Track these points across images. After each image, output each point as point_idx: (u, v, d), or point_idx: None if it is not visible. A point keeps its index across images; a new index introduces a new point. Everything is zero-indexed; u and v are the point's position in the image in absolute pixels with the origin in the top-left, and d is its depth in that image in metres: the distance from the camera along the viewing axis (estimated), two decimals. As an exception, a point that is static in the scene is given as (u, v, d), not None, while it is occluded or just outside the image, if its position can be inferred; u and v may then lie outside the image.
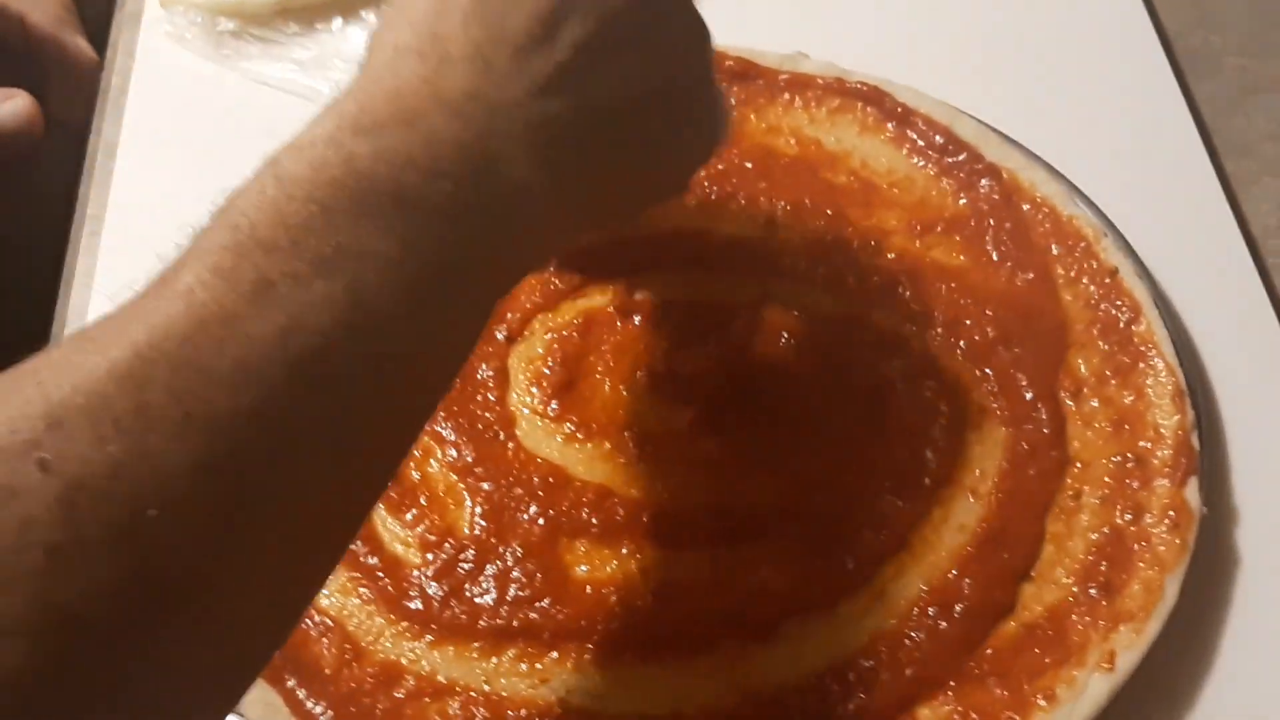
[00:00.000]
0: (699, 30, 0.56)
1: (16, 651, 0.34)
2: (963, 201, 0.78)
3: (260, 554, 0.40)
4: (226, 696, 0.42)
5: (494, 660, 0.63)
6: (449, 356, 0.48)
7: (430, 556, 0.66)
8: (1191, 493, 0.66)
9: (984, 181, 0.78)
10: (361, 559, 0.66)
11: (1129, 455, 0.68)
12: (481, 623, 0.64)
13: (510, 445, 0.70)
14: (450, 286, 0.45)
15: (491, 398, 0.72)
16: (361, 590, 0.66)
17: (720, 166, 0.80)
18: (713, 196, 0.79)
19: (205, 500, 0.38)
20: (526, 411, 0.72)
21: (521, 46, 0.47)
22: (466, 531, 0.67)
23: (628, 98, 0.50)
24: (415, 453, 0.70)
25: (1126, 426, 0.69)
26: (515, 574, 0.66)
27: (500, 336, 0.74)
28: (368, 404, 0.43)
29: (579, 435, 0.70)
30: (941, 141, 0.80)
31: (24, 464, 0.35)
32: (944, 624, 0.63)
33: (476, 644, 0.64)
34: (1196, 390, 0.70)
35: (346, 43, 0.89)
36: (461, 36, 0.47)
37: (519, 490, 0.68)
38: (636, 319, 0.74)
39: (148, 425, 0.37)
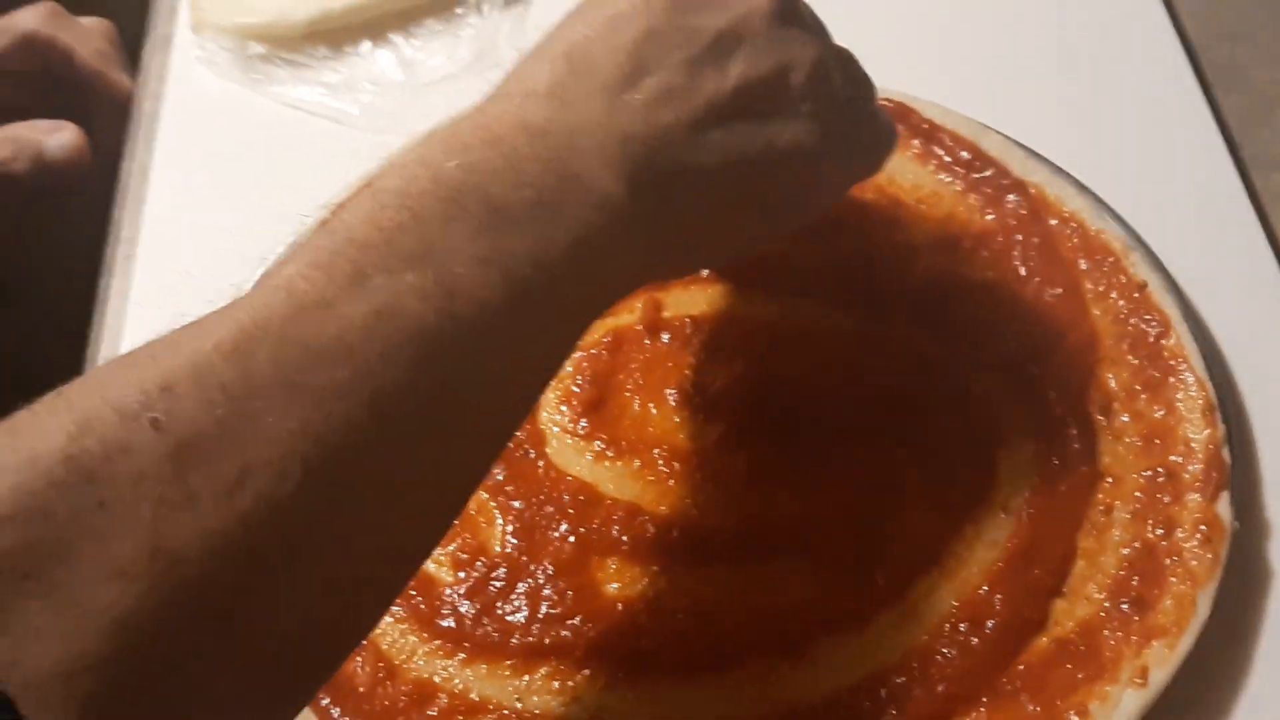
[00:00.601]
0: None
1: (130, 593, 0.36)
2: (990, 217, 0.78)
3: (358, 520, 0.42)
4: (322, 663, 0.45)
5: (526, 678, 0.64)
6: (537, 360, 0.51)
7: (462, 575, 0.67)
8: (1223, 507, 0.66)
9: (1011, 197, 0.78)
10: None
11: (1160, 470, 0.68)
12: (513, 641, 0.64)
13: (540, 463, 0.70)
14: (537, 288, 0.47)
15: (522, 416, 0.72)
16: (394, 608, 0.66)
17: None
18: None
19: (304, 464, 0.40)
20: (556, 429, 0.72)
21: (606, 83, 0.51)
22: (498, 549, 0.68)
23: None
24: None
25: (1157, 441, 0.69)
26: (546, 592, 0.66)
27: (530, 355, 0.74)
28: (458, 391, 0.45)
29: (609, 453, 0.71)
30: (968, 157, 0.80)
31: (138, 423, 0.38)
32: (976, 640, 0.63)
33: (509, 662, 0.64)
34: (1227, 404, 0.69)
35: (375, 65, 0.90)
36: (548, 76, 0.51)
37: (550, 508, 0.69)
38: (665, 337, 0.75)
39: (251, 392, 0.40)
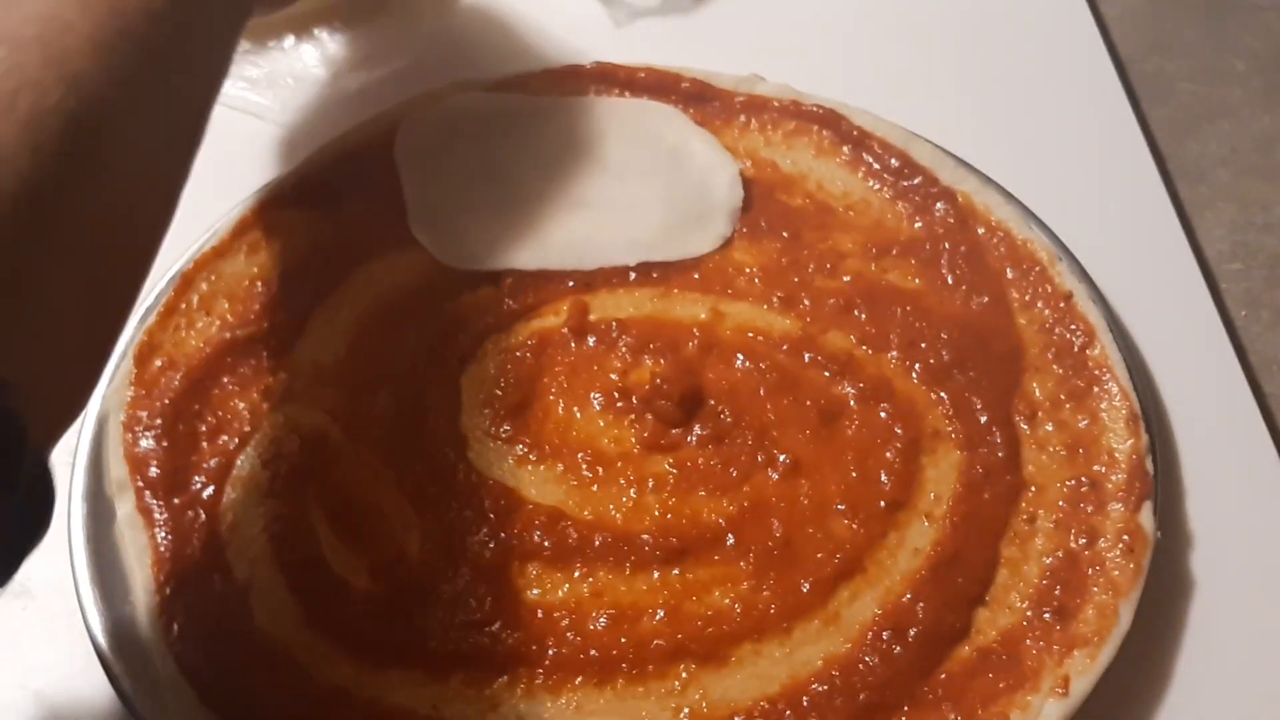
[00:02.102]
0: None
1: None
2: (918, 225, 0.78)
3: (130, 124, 0.54)
4: (130, 254, 0.56)
5: (443, 685, 0.62)
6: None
7: (378, 580, 0.65)
8: (1145, 517, 0.66)
9: (939, 205, 0.78)
10: (308, 583, 0.65)
11: (1083, 479, 0.68)
12: (430, 646, 0.63)
13: (461, 467, 0.69)
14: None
15: (443, 419, 0.71)
16: (308, 614, 0.64)
17: (676, 188, 0.80)
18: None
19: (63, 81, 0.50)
20: (478, 433, 0.71)
21: None
22: (416, 555, 0.66)
23: None
24: (364, 475, 0.69)
25: (1081, 451, 0.69)
26: (465, 598, 0.65)
27: (452, 357, 0.73)
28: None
29: (531, 457, 0.70)
30: (897, 165, 0.80)
31: None
32: (898, 648, 0.63)
33: (424, 669, 0.63)
34: (1150, 415, 0.70)
35: (299, 61, 0.88)
36: None
37: (469, 513, 0.67)
38: (590, 340, 0.74)
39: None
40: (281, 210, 0.78)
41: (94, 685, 0.64)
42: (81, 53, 0.51)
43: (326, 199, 0.79)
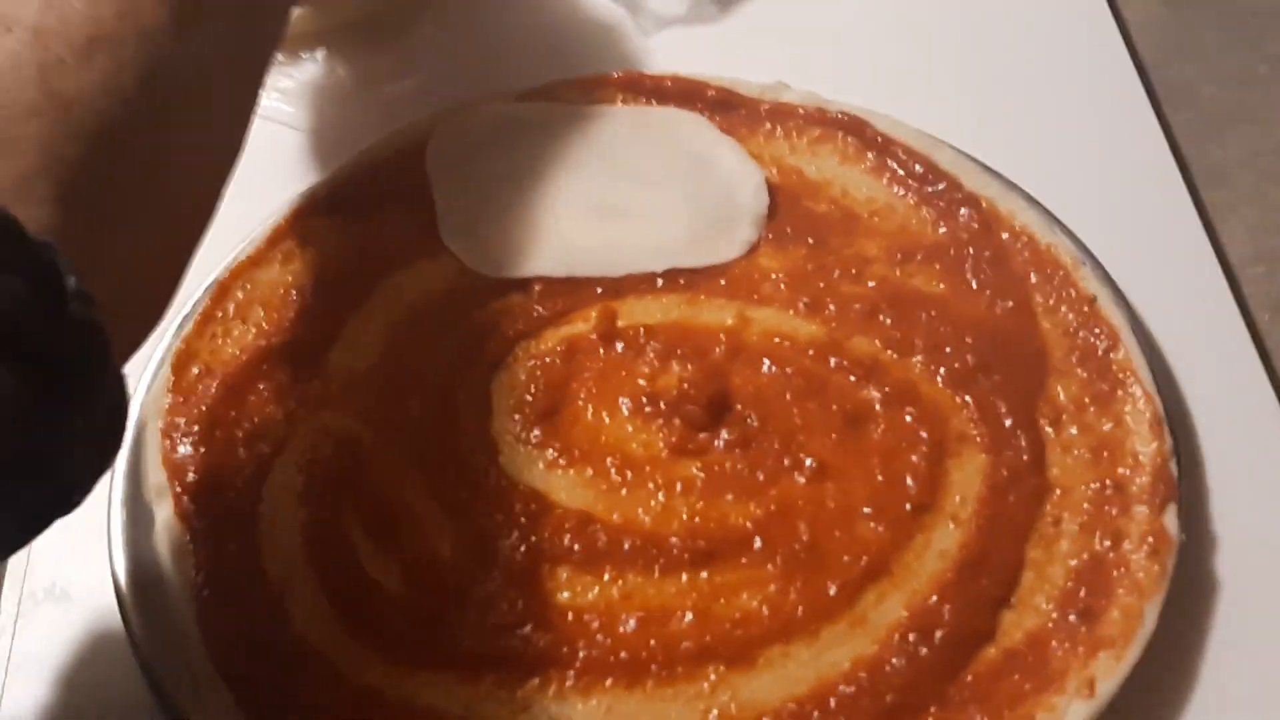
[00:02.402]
0: None
1: (45, 124, 0.49)
2: (942, 230, 0.79)
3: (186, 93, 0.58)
4: (197, 208, 0.61)
5: (474, 687, 0.63)
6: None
7: (411, 583, 0.66)
8: (1170, 519, 0.66)
9: (963, 210, 0.79)
10: (343, 587, 0.66)
11: (1108, 482, 0.68)
12: (462, 649, 0.64)
13: (491, 472, 0.70)
14: None
15: (473, 425, 0.72)
16: (343, 618, 0.66)
17: (702, 195, 0.81)
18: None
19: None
20: (508, 438, 0.72)
21: None
22: (448, 558, 0.67)
23: None
24: (397, 480, 0.70)
25: (1105, 453, 0.69)
26: (496, 601, 0.65)
27: (482, 364, 0.74)
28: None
29: (561, 461, 0.71)
30: (921, 171, 0.81)
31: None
32: (924, 650, 0.63)
33: (456, 671, 0.64)
34: (1174, 417, 0.70)
35: (329, 74, 0.90)
36: None
37: (500, 517, 0.68)
38: (619, 346, 0.75)
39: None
40: (315, 219, 0.79)
41: (133, 688, 0.65)
42: (152, 8, 0.55)
43: (359, 208, 0.80)
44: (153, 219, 0.57)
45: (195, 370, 0.73)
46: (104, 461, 0.51)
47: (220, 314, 0.75)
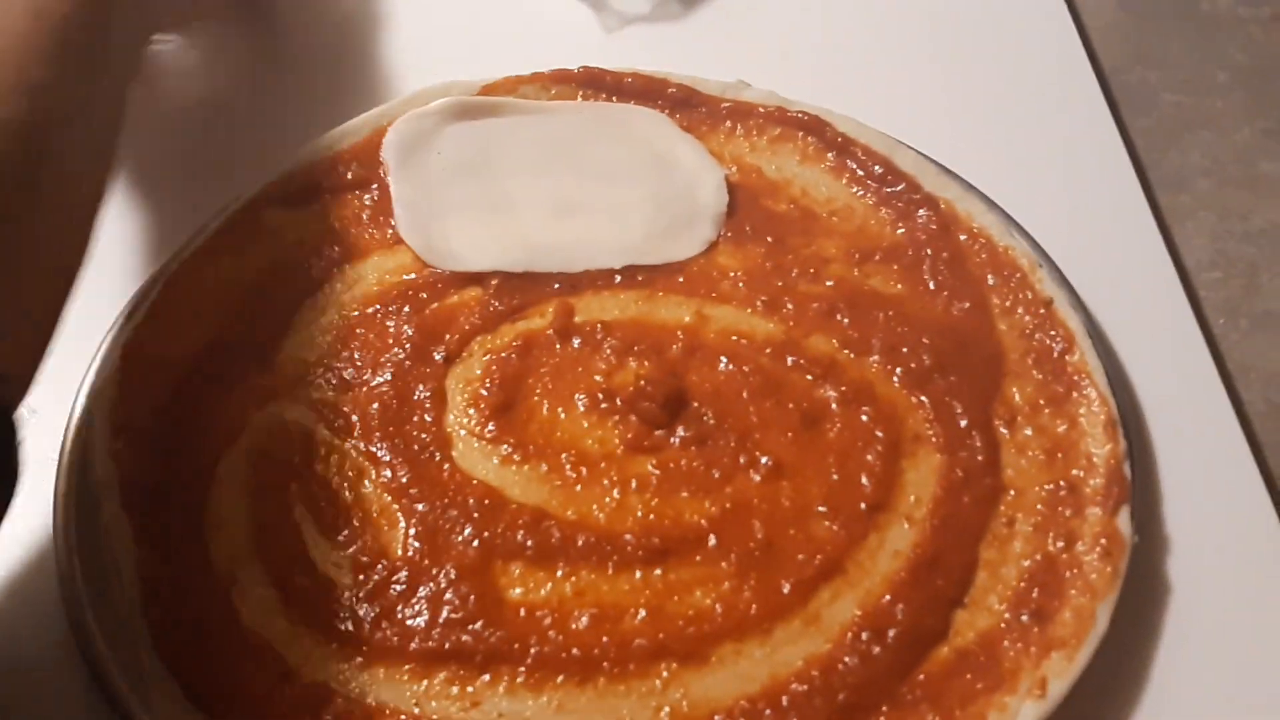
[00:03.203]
0: None
1: None
2: (900, 231, 0.79)
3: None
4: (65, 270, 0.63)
5: (425, 683, 0.63)
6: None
7: (362, 578, 0.66)
8: (1123, 521, 0.66)
9: (922, 212, 0.79)
10: (292, 580, 0.66)
11: (1062, 483, 0.69)
12: (413, 645, 0.63)
13: (446, 466, 0.70)
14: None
15: (428, 418, 0.71)
16: (291, 612, 0.65)
17: (661, 192, 0.80)
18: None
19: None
20: (463, 433, 0.71)
21: None
22: (399, 553, 0.67)
23: None
24: (349, 473, 0.69)
25: (1060, 455, 0.70)
26: (448, 596, 0.65)
27: (438, 358, 0.74)
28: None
29: (516, 457, 0.70)
30: (880, 171, 0.81)
31: None
32: (877, 649, 0.63)
33: (407, 666, 0.63)
34: (1129, 420, 0.70)
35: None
36: None
37: (454, 512, 0.68)
38: (576, 341, 0.74)
39: None
40: (269, 210, 0.78)
41: (81, 682, 0.64)
42: (38, 62, 0.56)
43: (313, 200, 0.79)
44: (29, 267, 0.58)
45: (144, 363, 0.72)
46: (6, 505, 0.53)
47: (170, 307, 0.74)
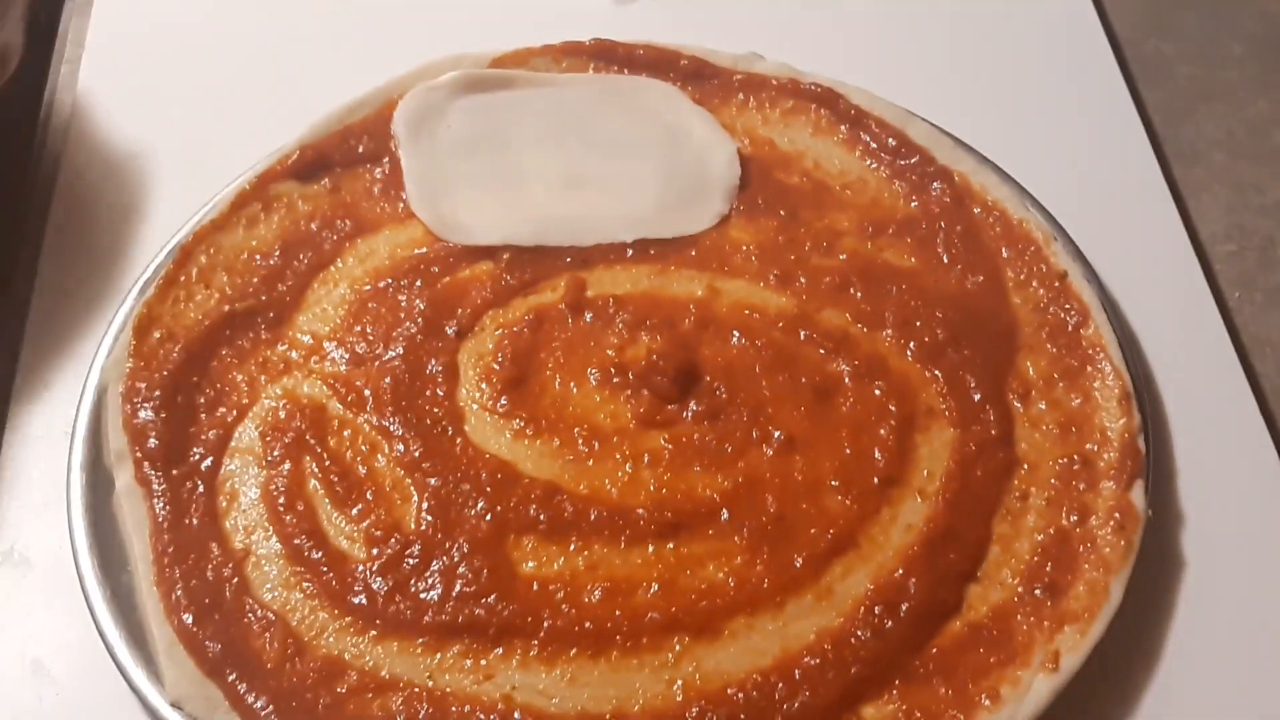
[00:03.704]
0: None
1: None
2: (914, 204, 0.79)
3: None
4: None
5: (438, 656, 0.63)
6: None
7: (375, 551, 0.66)
8: (1137, 495, 0.66)
9: (936, 184, 0.79)
10: (306, 553, 0.66)
11: (1076, 457, 0.68)
12: (426, 618, 0.64)
13: (458, 441, 0.70)
14: None
15: (440, 393, 0.71)
16: (305, 585, 0.65)
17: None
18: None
19: None
20: (475, 407, 0.71)
21: None
22: (412, 527, 0.67)
23: None
24: (362, 447, 0.69)
25: (1074, 429, 0.70)
26: (461, 570, 0.65)
27: (450, 332, 0.73)
28: None
29: (528, 431, 0.70)
30: (894, 144, 0.80)
31: None
32: (890, 623, 0.63)
33: (421, 640, 0.63)
34: (1143, 394, 0.70)
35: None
36: None
37: (466, 486, 0.68)
38: (588, 316, 0.74)
39: None
40: (280, 183, 0.78)
41: (93, 652, 0.64)
42: None
43: (324, 172, 0.79)
44: None
45: (157, 335, 0.72)
46: None
47: (182, 278, 0.74)
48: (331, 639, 0.63)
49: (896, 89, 0.83)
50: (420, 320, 0.74)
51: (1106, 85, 0.89)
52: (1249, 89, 0.91)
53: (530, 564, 0.66)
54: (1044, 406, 0.70)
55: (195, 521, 0.66)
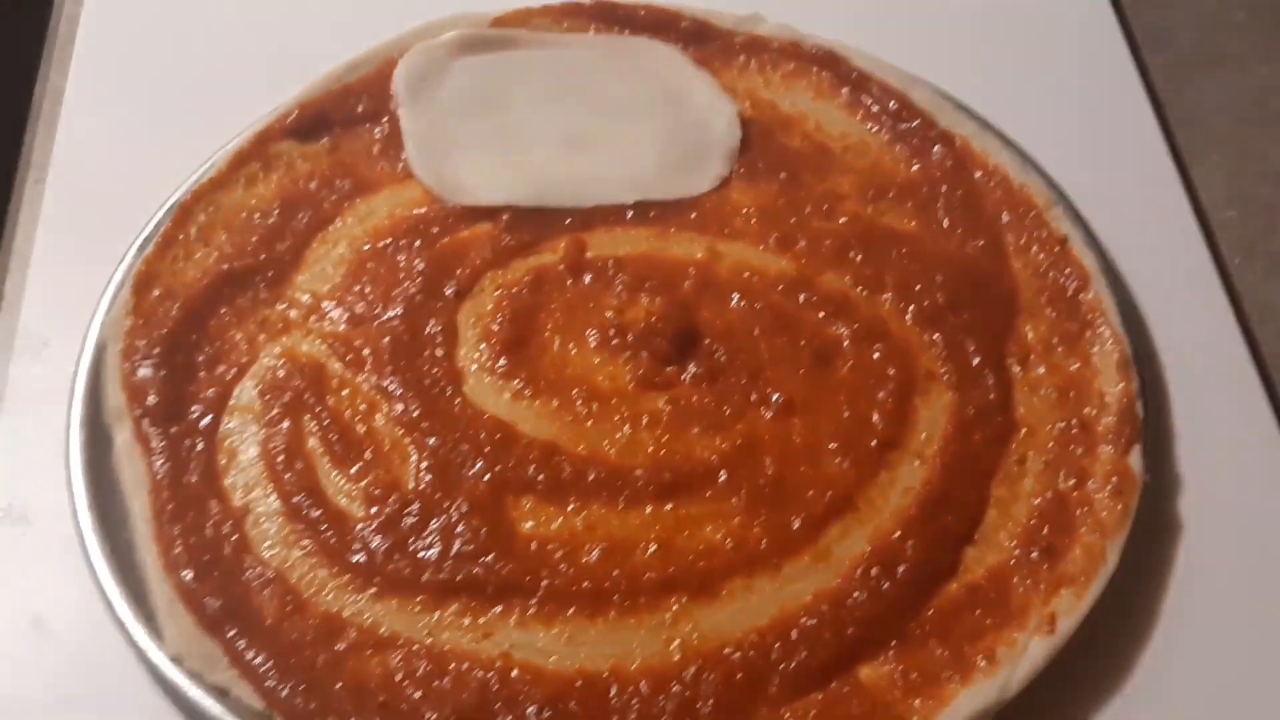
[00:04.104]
0: None
1: None
2: (916, 167, 0.79)
3: None
4: None
5: (437, 614, 0.63)
6: None
7: (374, 510, 0.66)
8: (1135, 460, 0.66)
9: (937, 148, 0.79)
10: (305, 511, 0.66)
11: (1074, 422, 0.68)
12: (425, 577, 0.64)
13: (457, 401, 0.70)
14: None
15: (440, 353, 0.71)
16: (304, 543, 0.65)
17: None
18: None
19: None
20: (475, 368, 0.71)
21: None
22: (411, 486, 0.67)
23: None
24: (361, 406, 0.69)
25: (1072, 393, 0.70)
26: (460, 529, 0.65)
27: (449, 292, 0.73)
28: None
29: (527, 392, 0.70)
30: (895, 107, 0.80)
31: None
32: (887, 584, 0.63)
33: (419, 598, 0.63)
34: (1142, 359, 0.70)
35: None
36: None
37: (465, 446, 0.68)
38: (588, 277, 0.74)
39: None
40: (279, 142, 0.78)
41: (93, 609, 0.64)
42: None
43: (324, 131, 0.79)
44: None
45: (156, 292, 0.72)
46: None
47: (181, 236, 0.74)
48: (330, 596, 0.64)
49: (899, 52, 0.83)
50: (420, 280, 0.74)
51: (1109, 50, 0.88)
52: (1252, 55, 0.91)
53: (529, 524, 0.66)
54: (1043, 371, 0.71)
55: (194, 479, 0.67)
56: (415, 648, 0.62)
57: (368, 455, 0.68)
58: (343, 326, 0.72)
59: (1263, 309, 0.77)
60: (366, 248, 0.75)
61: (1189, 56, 0.90)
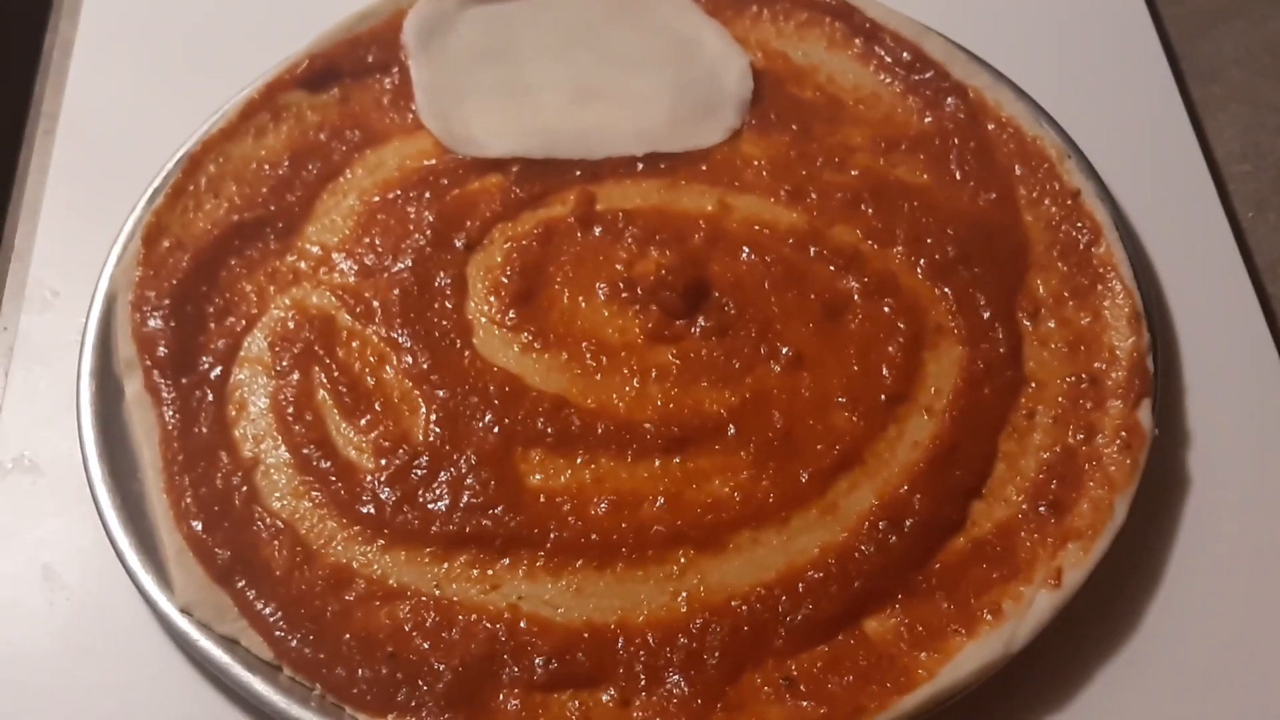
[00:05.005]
0: None
1: None
2: (928, 120, 0.78)
3: None
4: None
5: (445, 565, 0.63)
6: None
7: (384, 462, 0.66)
8: (1144, 414, 0.66)
9: (950, 100, 0.78)
10: (314, 463, 0.66)
11: (1084, 376, 0.68)
12: (434, 528, 0.64)
13: (467, 354, 0.70)
14: None
15: (449, 305, 0.71)
16: (314, 494, 0.66)
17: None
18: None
19: None
20: (484, 320, 0.71)
21: None
22: (421, 438, 0.67)
23: None
24: (370, 358, 0.69)
25: (1082, 348, 0.69)
26: (469, 481, 0.65)
27: (459, 244, 0.73)
28: None
29: (536, 345, 0.70)
30: (909, 59, 0.79)
31: None
32: (894, 538, 0.63)
33: (428, 549, 0.64)
34: (1153, 313, 0.70)
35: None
36: None
37: (474, 398, 0.68)
38: (597, 230, 0.74)
39: None
40: (289, 93, 0.78)
41: (103, 559, 0.65)
42: None
43: (333, 82, 0.79)
44: None
45: (166, 243, 0.72)
46: None
47: (191, 187, 0.74)
48: (340, 547, 0.64)
49: (912, 3, 0.82)
50: (429, 232, 0.74)
51: (1124, 2, 0.87)
52: (1267, 7, 0.90)
53: (537, 476, 0.66)
54: (1053, 325, 0.70)
55: (204, 430, 0.67)
56: (423, 599, 0.62)
57: (377, 407, 0.68)
58: (352, 278, 0.72)
59: (1274, 264, 0.77)
60: (376, 199, 0.75)
61: (1205, 8, 0.89)
